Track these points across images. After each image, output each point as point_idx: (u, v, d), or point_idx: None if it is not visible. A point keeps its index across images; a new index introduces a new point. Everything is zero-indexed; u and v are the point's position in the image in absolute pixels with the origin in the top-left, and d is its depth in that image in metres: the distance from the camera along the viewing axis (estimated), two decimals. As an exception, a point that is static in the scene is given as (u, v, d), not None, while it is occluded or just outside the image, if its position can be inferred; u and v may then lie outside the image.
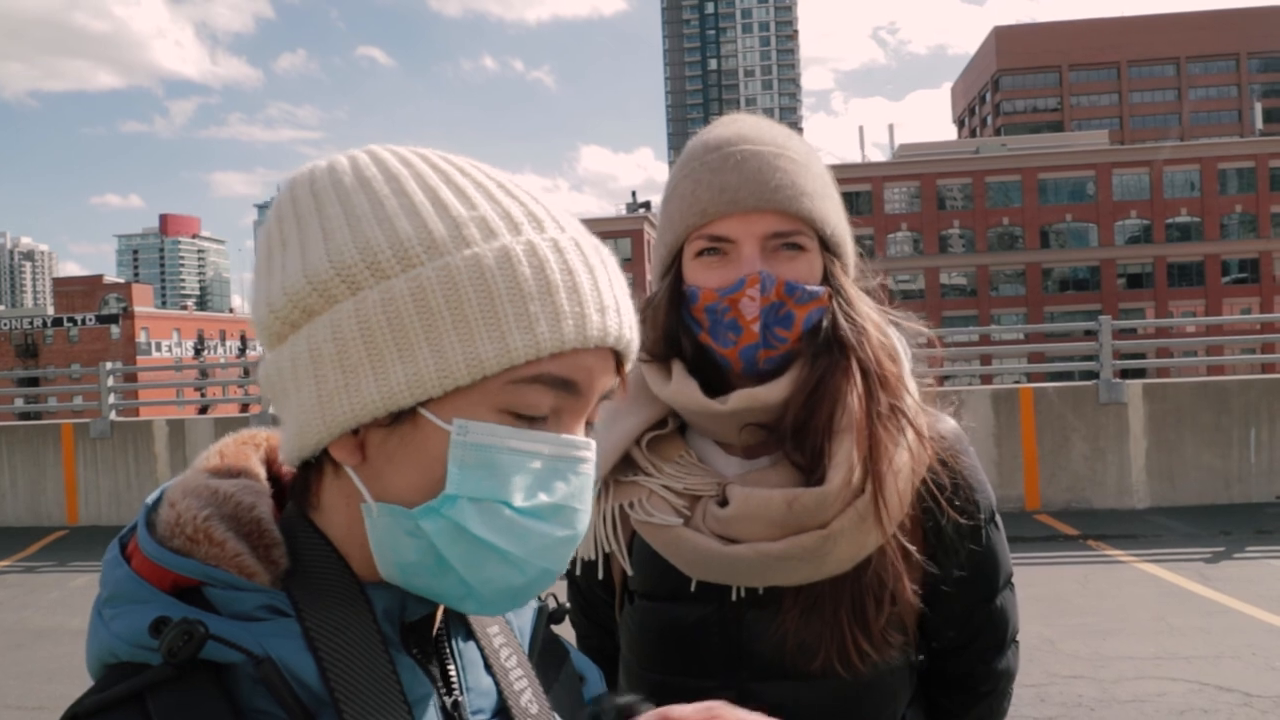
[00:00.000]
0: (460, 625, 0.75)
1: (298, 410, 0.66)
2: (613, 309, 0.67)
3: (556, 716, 0.75)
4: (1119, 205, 59.72)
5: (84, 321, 67.86)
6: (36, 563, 8.64)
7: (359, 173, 0.67)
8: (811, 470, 1.05)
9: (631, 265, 69.17)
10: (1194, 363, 13.41)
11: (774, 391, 1.06)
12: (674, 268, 1.12)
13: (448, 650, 0.72)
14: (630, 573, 1.14)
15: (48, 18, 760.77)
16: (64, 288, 74.21)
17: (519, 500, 0.63)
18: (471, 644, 0.74)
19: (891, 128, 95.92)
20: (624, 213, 78.72)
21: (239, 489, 0.69)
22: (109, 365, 10.70)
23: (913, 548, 1.07)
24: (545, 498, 0.64)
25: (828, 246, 1.10)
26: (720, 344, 1.08)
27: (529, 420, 0.64)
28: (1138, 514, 8.38)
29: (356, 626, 0.64)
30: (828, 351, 1.07)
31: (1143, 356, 16.93)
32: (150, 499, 0.69)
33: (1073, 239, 60.64)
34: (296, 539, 0.68)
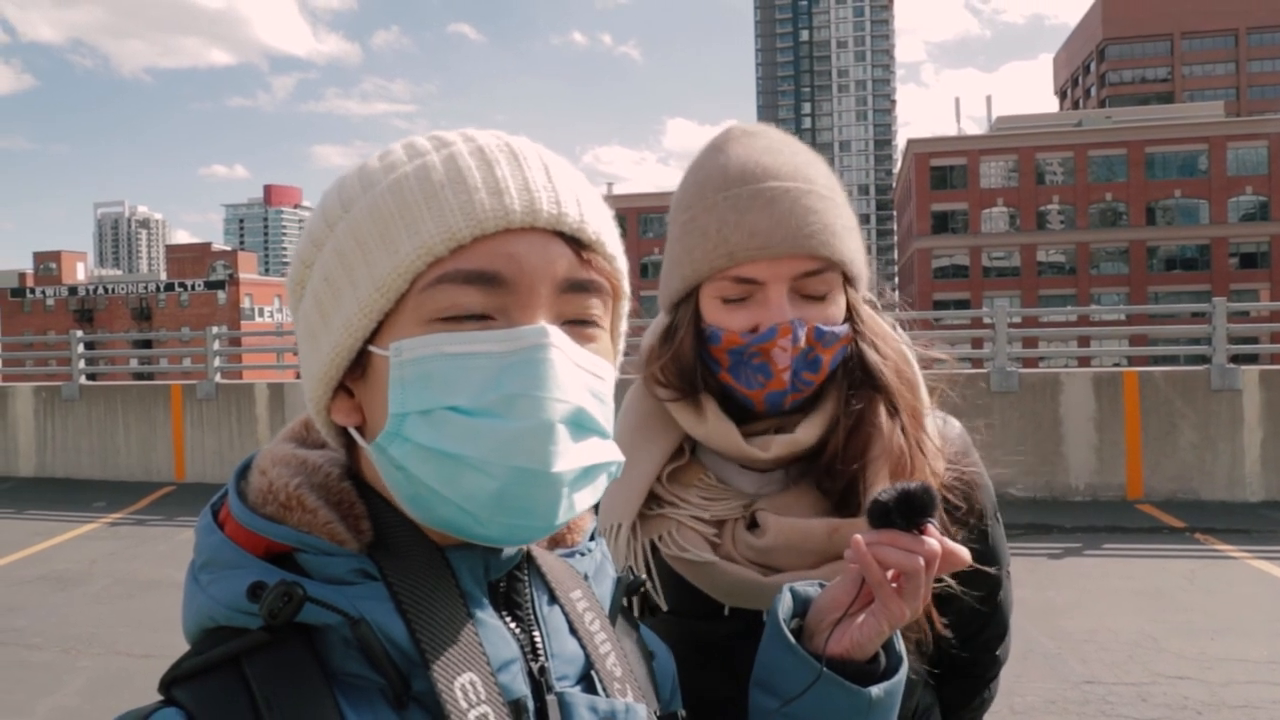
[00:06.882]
0: (544, 590, 0.74)
1: (305, 380, 0.69)
2: (515, 190, 0.64)
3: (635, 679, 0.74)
4: (1233, 180, 56.50)
5: (193, 287, 70.79)
6: (146, 516, 9.09)
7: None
8: (843, 496, 1.07)
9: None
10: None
11: (811, 432, 1.08)
12: (692, 303, 1.09)
13: (532, 616, 0.71)
14: (665, 607, 1.11)
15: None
16: (176, 254, 77.41)
17: (466, 402, 0.61)
18: (556, 609, 0.73)
19: (989, 99, 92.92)
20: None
21: (326, 460, 0.70)
22: (214, 330, 11.14)
23: None
24: (495, 393, 0.61)
25: (849, 280, 1.09)
26: (744, 385, 1.07)
27: (467, 323, 0.62)
28: (1250, 507, 7.97)
29: (439, 589, 0.64)
30: (860, 388, 1.08)
31: (1255, 341, 15.97)
32: (239, 467, 0.70)
33: (1181, 216, 57.67)
34: (373, 508, 0.68)
